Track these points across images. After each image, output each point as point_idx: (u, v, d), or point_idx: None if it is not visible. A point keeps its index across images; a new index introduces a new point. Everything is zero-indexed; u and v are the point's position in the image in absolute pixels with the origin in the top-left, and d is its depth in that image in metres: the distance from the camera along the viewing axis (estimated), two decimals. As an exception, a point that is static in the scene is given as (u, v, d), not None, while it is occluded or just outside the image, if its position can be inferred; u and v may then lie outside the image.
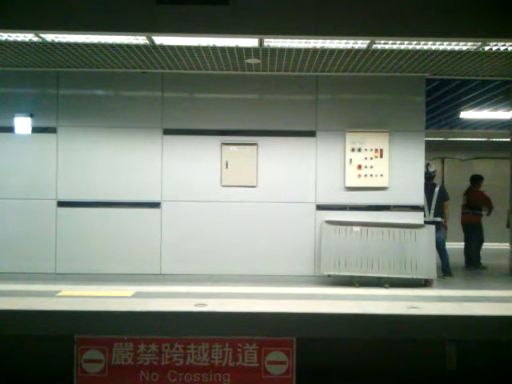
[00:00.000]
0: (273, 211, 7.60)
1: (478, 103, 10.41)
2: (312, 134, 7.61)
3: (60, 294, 6.60)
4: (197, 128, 7.61)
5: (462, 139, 14.88)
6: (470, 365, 5.79)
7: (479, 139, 14.76)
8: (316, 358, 5.65)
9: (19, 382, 5.62)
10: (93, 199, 7.58)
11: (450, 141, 14.88)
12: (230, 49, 6.36)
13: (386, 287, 7.26)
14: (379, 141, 7.54)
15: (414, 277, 7.39)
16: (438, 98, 9.91)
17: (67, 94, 7.59)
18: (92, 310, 5.76)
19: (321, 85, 7.59)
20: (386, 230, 7.44)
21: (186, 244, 7.58)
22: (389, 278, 7.35)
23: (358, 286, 7.28)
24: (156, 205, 7.60)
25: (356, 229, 7.44)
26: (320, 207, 7.60)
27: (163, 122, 7.61)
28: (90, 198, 7.58)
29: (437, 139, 13.95)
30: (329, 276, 7.40)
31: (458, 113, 11.16)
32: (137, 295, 6.55)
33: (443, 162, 15.35)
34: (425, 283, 7.47)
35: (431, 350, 5.93)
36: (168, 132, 7.61)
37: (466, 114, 11.00)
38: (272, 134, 7.61)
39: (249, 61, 6.88)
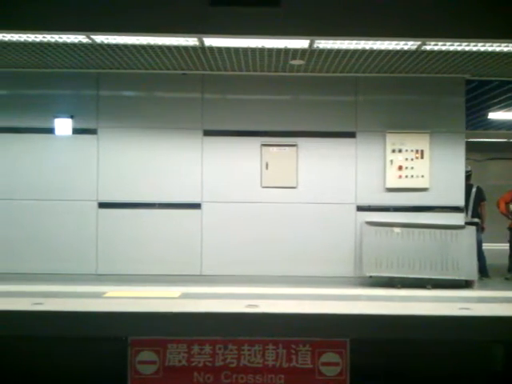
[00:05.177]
0: (313, 212, 7.61)
1: (507, 105, 10.37)
2: (352, 134, 7.62)
3: (106, 295, 6.61)
4: (237, 129, 7.63)
5: (476, 140, 14.82)
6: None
7: (493, 140, 14.70)
8: (370, 359, 5.66)
9: (75, 383, 5.64)
10: (133, 200, 7.59)
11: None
12: (278, 50, 6.36)
13: (429, 288, 7.25)
14: (420, 142, 7.54)
15: (455, 278, 7.39)
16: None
17: (107, 95, 7.61)
18: (145, 311, 5.77)
19: (360, 86, 7.60)
20: (426, 230, 7.44)
21: (226, 245, 7.59)
22: (430, 279, 7.35)
23: (399, 287, 7.28)
24: (196, 206, 7.61)
25: (397, 230, 7.44)
26: (360, 208, 7.60)
27: (203, 123, 7.62)
28: (130, 199, 7.59)
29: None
30: (370, 277, 7.40)
31: (486, 114, 11.12)
32: (184, 296, 6.56)
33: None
34: (465, 284, 7.47)
35: (477, 351, 5.95)
36: (208, 133, 7.62)
37: (495, 115, 10.98)
38: (312, 135, 7.63)
39: (293, 62, 6.88)
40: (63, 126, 7.53)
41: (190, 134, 7.61)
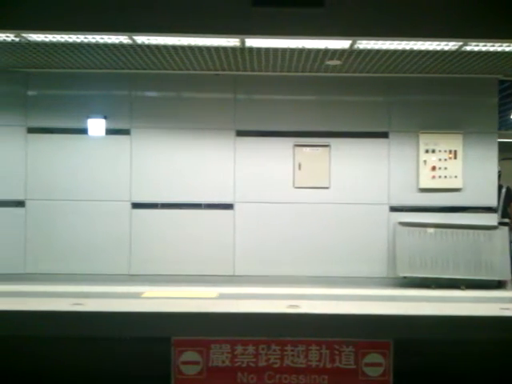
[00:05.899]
0: (346, 212, 7.61)
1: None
2: (385, 135, 7.62)
3: (145, 295, 6.62)
4: (270, 129, 7.63)
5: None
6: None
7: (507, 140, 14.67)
8: (413, 360, 5.66)
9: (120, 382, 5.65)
10: (166, 201, 7.61)
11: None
12: (317, 50, 6.36)
13: (463, 289, 7.25)
14: (453, 142, 7.54)
15: (489, 278, 7.39)
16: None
17: (140, 95, 7.62)
18: (188, 312, 5.75)
19: (393, 86, 7.60)
20: (460, 231, 7.44)
21: (258, 245, 7.59)
22: (463, 279, 7.34)
23: (434, 288, 7.28)
24: (229, 206, 7.62)
25: (430, 230, 7.44)
26: (393, 208, 7.60)
27: (236, 123, 7.63)
28: (163, 199, 7.61)
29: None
30: (405, 278, 7.40)
31: (509, 114, 11.13)
32: (222, 296, 6.56)
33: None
34: (498, 284, 7.46)
35: None
36: (241, 133, 7.63)
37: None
38: (345, 136, 7.63)
39: (330, 62, 6.87)
40: (97, 126, 7.53)
41: (223, 135, 7.62)
